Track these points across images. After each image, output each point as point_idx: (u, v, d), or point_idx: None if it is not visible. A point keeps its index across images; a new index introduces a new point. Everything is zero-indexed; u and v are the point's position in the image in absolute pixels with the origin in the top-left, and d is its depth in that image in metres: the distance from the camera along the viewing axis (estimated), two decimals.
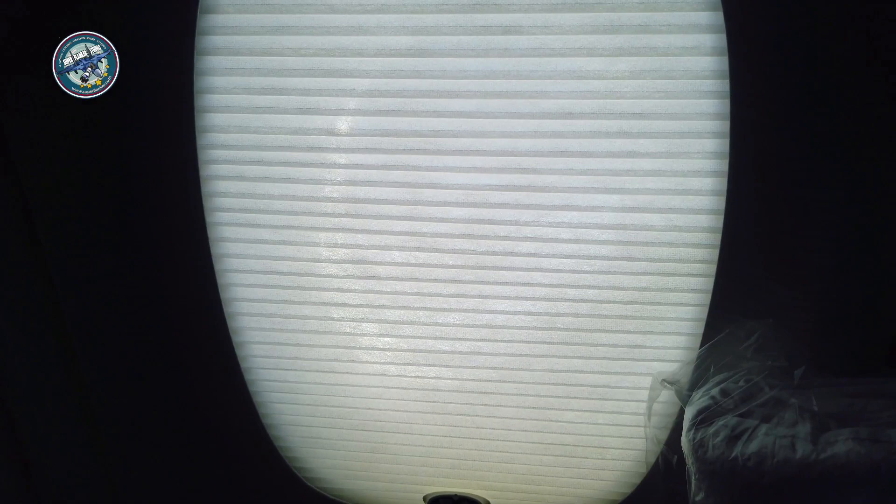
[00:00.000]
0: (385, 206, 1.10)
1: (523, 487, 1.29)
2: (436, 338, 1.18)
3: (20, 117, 1.05)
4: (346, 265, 1.15)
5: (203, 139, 1.08)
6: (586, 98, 1.00)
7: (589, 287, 1.11)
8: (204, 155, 1.09)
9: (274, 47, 1.03)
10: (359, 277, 1.15)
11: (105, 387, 1.25)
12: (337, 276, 1.16)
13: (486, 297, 1.14)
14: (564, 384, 1.18)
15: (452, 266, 1.12)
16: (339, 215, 1.11)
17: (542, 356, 1.16)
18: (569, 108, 1.01)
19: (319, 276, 1.16)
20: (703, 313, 1.07)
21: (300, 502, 1.34)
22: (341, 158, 1.09)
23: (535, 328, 1.15)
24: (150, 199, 1.11)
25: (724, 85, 0.94)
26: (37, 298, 1.16)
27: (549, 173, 1.05)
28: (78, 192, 1.10)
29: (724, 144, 0.97)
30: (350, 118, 1.06)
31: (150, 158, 1.08)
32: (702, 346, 1.07)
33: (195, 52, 1.02)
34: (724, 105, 0.96)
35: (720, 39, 0.93)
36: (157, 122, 1.06)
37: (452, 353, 1.19)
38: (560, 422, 1.21)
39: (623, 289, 1.10)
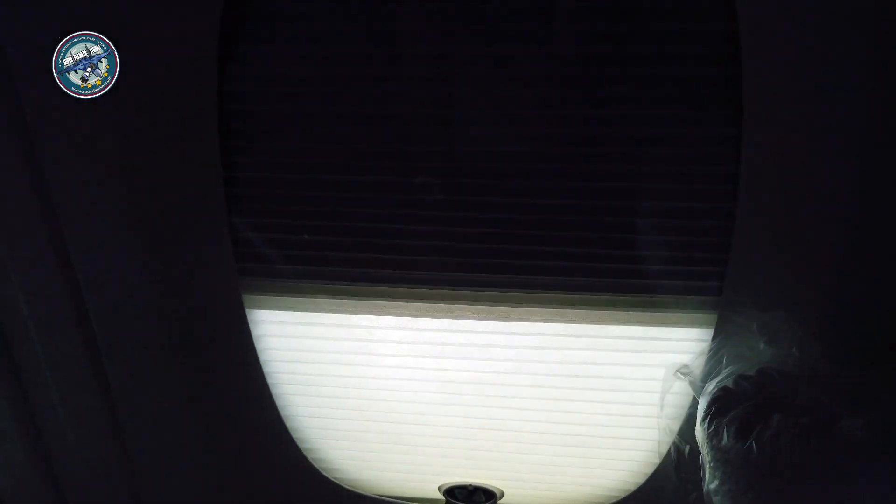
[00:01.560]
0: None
1: (537, 477, 1.31)
2: (451, 330, 1.19)
3: (43, 115, 1.05)
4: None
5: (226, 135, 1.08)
6: None
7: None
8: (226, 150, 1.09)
9: None
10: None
11: (126, 380, 1.26)
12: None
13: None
14: (578, 375, 1.19)
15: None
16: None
17: (556, 348, 1.17)
18: None
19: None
20: (716, 305, 1.07)
21: (317, 493, 1.36)
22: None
23: (549, 320, 1.15)
24: (172, 195, 1.11)
25: None
26: (60, 293, 1.17)
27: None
28: (100, 188, 1.11)
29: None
30: None
31: (170, 155, 1.08)
32: (715, 337, 1.07)
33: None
34: None
35: None
36: (179, 118, 1.05)
37: (468, 345, 1.20)
38: (573, 413, 1.23)
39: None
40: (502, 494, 1.32)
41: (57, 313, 1.18)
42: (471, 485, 1.31)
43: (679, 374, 1.10)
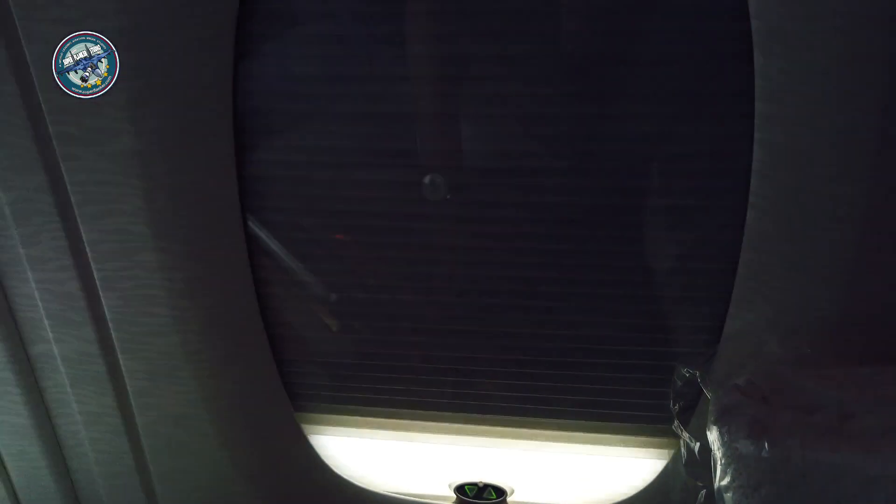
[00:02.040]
0: None
1: (547, 475, 1.31)
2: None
3: (56, 114, 1.04)
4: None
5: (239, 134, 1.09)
6: None
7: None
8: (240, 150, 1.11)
9: None
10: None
11: (142, 376, 1.26)
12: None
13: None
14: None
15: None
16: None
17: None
18: None
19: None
20: (727, 302, 1.06)
21: (328, 489, 1.37)
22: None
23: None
24: (188, 193, 1.11)
25: None
26: (77, 290, 1.17)
27: None
28: (116, 187, 1.10)
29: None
30: None
31: (185, 154, 1.08)
32: (726, 335, 1.07)
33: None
34: None
35: None
36: (191, 115, 1.05)
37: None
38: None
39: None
40: (512, 492, 1.33)
41: (73, 313, 1.19)
42: (481, 482, 1.32)
43: (689, 372, 1.10)
